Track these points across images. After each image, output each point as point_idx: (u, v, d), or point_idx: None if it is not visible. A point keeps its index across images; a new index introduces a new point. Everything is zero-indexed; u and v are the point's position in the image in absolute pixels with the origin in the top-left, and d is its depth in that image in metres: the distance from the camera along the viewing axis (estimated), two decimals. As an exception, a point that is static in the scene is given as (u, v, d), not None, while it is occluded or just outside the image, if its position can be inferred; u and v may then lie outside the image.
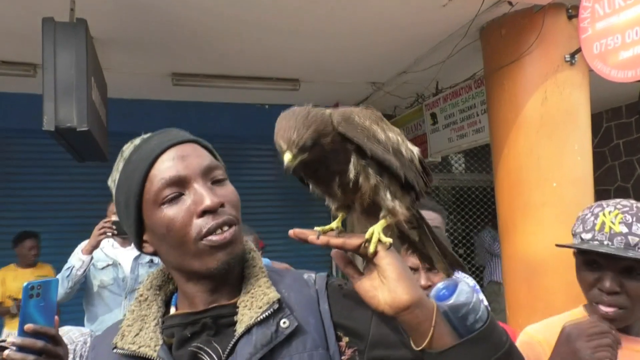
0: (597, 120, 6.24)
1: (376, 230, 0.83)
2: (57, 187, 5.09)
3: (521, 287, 3.37)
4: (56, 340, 1.14)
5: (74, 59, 2.58)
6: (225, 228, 0.85)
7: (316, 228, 0.86)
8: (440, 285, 0.87)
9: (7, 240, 4.56)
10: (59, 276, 3.10)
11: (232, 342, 0.82)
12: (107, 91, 3.77)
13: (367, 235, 0.82)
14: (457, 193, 6.59)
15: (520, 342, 1.46)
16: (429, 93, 5.26)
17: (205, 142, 0.95)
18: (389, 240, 0.82)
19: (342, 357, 0.84)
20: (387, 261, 0.80)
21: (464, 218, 6.55)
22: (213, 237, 0.84)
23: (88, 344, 1.42)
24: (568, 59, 3.29)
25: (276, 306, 0.84)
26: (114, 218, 3.08)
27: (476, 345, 0.77)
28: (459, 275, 2.10)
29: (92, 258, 3.09)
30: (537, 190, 3.32)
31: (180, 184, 0.86)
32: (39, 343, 1.11)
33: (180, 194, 0.86)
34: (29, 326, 1.10)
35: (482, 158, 6.69)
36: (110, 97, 3.98)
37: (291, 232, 0.85)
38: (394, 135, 0.87)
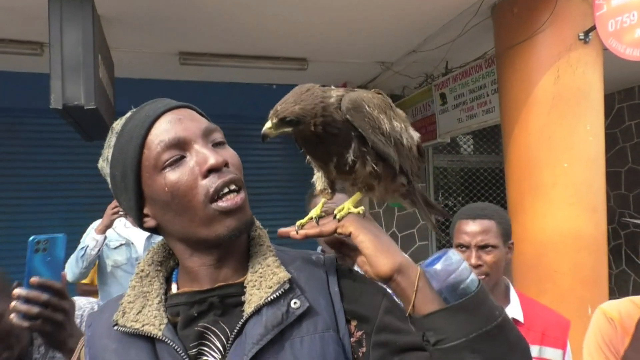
0: (609, 101, 6.15)
1: (346, 205, 0.87)
2: (65, 166, 5.10)
3: (529, 269, 3.35)
4: (62, 294, 1.14)
5: (81, 36, 2.56)
6: (233, 187, 0.82)
7: (298, 223, 0.90)
8: (435, 254, 0.89)
9: (15, 220, 4.59)
10: (72, 256, 3.12)
11: (241, 323, 0.80)
12: (114, 70, 3.75)
13: (336, 211, 0.86)
14: (465, 174, 6.55)
15: (594, 319, 1.55)
16: (439, 73, 5.19)
17: (198, 109, 0.92)
18: (359, 209, 0.87)
19: (352, 339, 0.82)
20: (360, 239, 0.82)
21: (472, 200, 6.52)
22: (222, 203, 0.81)
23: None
24: (582, 37, 3.22)
25: (287, 286, 0.82)
26: None
27: (461, 313, 0.75)
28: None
29: (105, 238, 3.10)
30: (548, 171, 3.28)
31: (180, 146, 0.83)
32: (44, 296, 1.11)
33: (182, 157, 0.82)
34: (34, 279, 1.10)
35: (491, 139, 6.63)
36: (118, 76, 3.97)
37: (278, 232, 0.88)
38: (398, 123, 0.90)
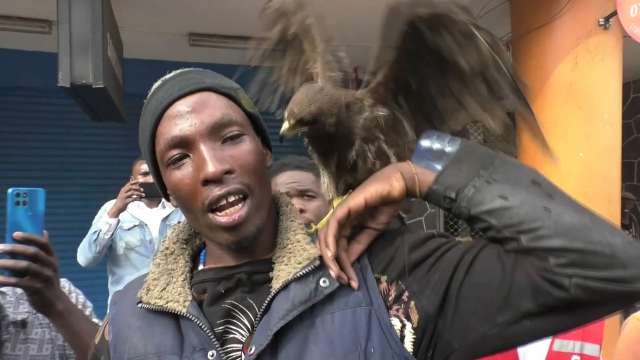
0: (625, 90, 6.02)
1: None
2: (74, 147, 5.09)
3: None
4: (48, 249, 1.08)
5: (90, 13, 2.51)
6: (232, 199, 0.77)
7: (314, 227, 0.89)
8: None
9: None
10: (85, 240, 3.08)
11: (269, 299, 0.77)
12: (123, 50, 3.71)
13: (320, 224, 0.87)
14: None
15: (628, 329, 1.58)
16: (452, 59, 5.11)
17: (226, 86, 0.84)
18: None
19: (389, 298, 0.78)
20: (351, 204, 0.79)
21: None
22: (219, 217, 0.77)
23: (72, 293, 1.39)
24: (602, 23, 3.14)
25: (317, 263, 0.78)
26: (141, 180, 3.04)
27: (462, 162, 0.76)
28: None
29: (119, 221, 3.05)
30: (562, 159, 3.19)
31: (184, 145, 0.78)
32: (31, 249, 1.04)
33: (186, 155, 0.78)
34: (17, 234, 1.04)
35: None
36: (127, 57, 3.93)
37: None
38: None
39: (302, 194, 1.62)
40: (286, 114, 0.84)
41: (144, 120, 0.83)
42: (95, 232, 3.02)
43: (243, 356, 0.77)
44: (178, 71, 0.85)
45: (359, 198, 0.78)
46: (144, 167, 3.05)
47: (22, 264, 1.03)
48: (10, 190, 1.04)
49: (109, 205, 3.10)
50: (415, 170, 0.79)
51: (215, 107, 0.80)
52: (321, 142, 0.89)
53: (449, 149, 0.79)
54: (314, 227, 0.90)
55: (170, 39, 4.49)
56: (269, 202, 0.85)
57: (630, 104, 6.24)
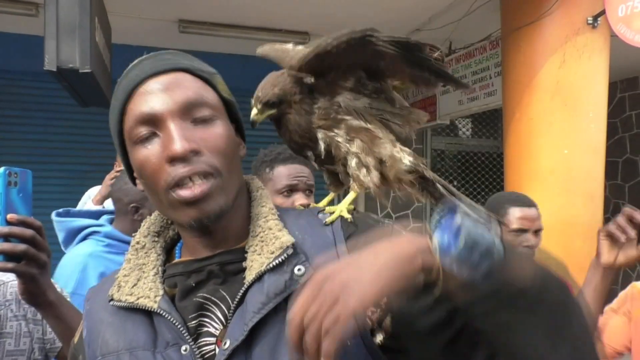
0: (611, 90, 6.07)
1: (339, 207, 0.85)
2: (60, 132, 5.03)
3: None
4: (42, 233, 1.02)
5: (78, -4, 2.48)
6: (197, 180, 0.74)
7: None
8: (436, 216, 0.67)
9: (9, 183, 4.53)
10: None
11: (242, 291, 0.75)
12: (111, 35, 3.66)
13: (328, 211, 0.85)
14: (462, 158, 6.51)
15: (625, 293, 1.73)
16: (442, 53, 5.12)
17: (202, 69, 0.82)
18: (348, 216, 0.84)
19: None
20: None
21: (468, 184, 6.51)
22: (180, 191, 0.74)
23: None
24: (590, 22, 3.17)
25: (290, 251, 0.76)
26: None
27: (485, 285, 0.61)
28: None
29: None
30: (547, 156, 3.26)
31: (153, 123, 0.76)
32: (28, 232, 0.98)
33: (154, 134, 0.76)
34: (12, 216, 0.97)
35: (490, 123, 6.59)
36: (115, 42, 3.88)
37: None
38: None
39: (309, 188, 1.65)
40: (253, 101, 0.87)
41: (115, 97, 0.81)
42: None
43: (217, 349, 0.75)
44: (154, 53, 0.83)
45: (365, 293, 0.59)
46: None
47: (21, 247, 0.97)
48: (2, 169, 0.98)
49: (92, 191, 3.07)
50: (439, 265, 0.62)
51: (189, 88, 0.78)
52: (291, 138, 0.90)
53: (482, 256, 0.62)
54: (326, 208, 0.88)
55: (160, 26, 4.45)
56: (238, 188, 0.82)
57: (616, 104, 6.31)
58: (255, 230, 0.81)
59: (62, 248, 2.08)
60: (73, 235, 2.03)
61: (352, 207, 0.86)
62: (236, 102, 0.87)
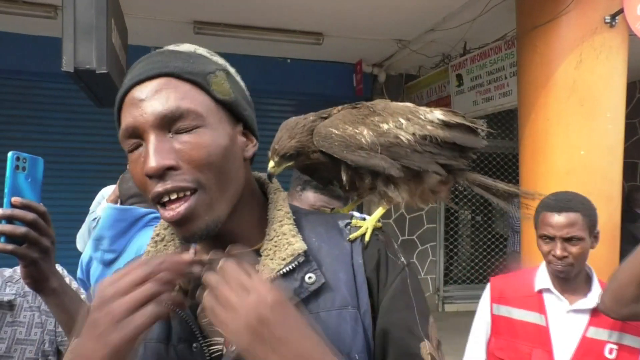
0: (630, 90, 6.00)
1: (368, 224, 0.85)
2: (76, 132, 5.10)
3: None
4: (47, 219, 1.02)
5: (94, -2, 2.51)
6: (174, 196, 0.72)
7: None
8: None
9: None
10: (84, 226, 3.09)
11: None
12: (127, 36, 3.70)
13: (359, 232, 0.84)
14: (477, 159, 6.47)
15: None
16: (456, 53, 5.09)
17: (192, 71, 0.76)
18: (377, 224, 0.85)
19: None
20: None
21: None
22: (162, 211, 0.73)
23: (66, 278, 1.34)
24: (608, 21, 3.12)
25: (301, 259, 0.76)
26: None
27: None
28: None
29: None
30: (563, 157, 3.22)
31: (136, 135, 0.73)
32: (31, 215, 0.98)
33: (140, 145, 0.74)
34: (16, 199, 0.98)
35: (505, 124, 6.53)
36: (131, 43, 3.92)
37: None
38: (391, 124, 0.88)
39: None
40: (270, 153, 0.86)
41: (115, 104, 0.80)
42: (95, 219, 3.02)
43: (225, 350, 0.76)
44: (151, 53, 0.80)
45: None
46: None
47: (21, 229, 0.97)
48: (10, 153, 0.99)
49: (106, 191, 3.10)
50: None
51: (169, 97, 0.73)
52: (312, 173, 0.91)
53: None
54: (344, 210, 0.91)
55: (175, 27, 4.49)
56: (239, 194, 0.80)
57: (635, 104, 6.22)
58: (270, 234, 0.80)
59: (109, 243, 2.09)
60: (133, 223, 2.09)
61: (379, 224, 0.86)
62: (243, 99, 0.83)
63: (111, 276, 0.68)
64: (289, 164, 0.87)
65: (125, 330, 0.63)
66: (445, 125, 0.91)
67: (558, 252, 1.69)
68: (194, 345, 0.76)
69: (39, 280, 1.05)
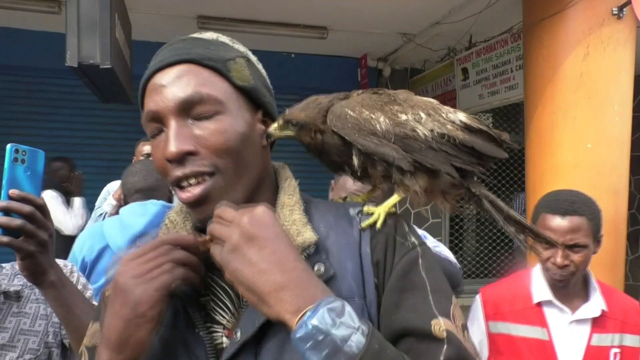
0: (638, 82, 5.96)
1: (382, 210, 0.83)
2: (81, 128, 5.11)
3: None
4: (44, 212, 1.02)
5: (98, -7, 2.51)
6: (193, 181, 0.75)
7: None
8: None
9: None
10: (90, 221, 3.11)
11: None
12: (131, 31, 3.70)
13: (371, 220, 0.82)
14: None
15: None
16: (462, 47, 5.05)
17: (212, 57, 0.78)
18: (392, 210, 0.84)
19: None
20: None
21: (488, 179, 6.43)
22: (180, 193, 0.76)
23: (74, 274, 1.36)
24: (615, 12, 3.08)
25: (312, 250, 0.76)
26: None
27: None
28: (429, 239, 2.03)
29: None
30: (570, 151, 3.19)
31: (158, 120, 0.76)
32: (27, 207, 0.98)
33: (162, 130, 0.77)
34: (13, 191, 0.98)
35: (511, 118, 6.49)
36: (135, 39, 3.92)
37: None
38: (410, 115, 0.85)
39: None
40: (278, 117, 0.87)
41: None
42: (101, 214, 3.04)
43: (225, 339, 0.76)
44: (178, 38, 0.83)
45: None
46: (147, 148, 3.06)
47: (17, 221, 0.97)
48: (9, 145, 0.99)
49: (112, 186, 3.11)
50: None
51: (189, 83, 0.75)
52: (321, 154, 0.89)
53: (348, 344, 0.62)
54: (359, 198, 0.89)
55: (179, 22, 4.47)
56: (257, 179, 0.82)
57: (642, 97, 6.16)
58: (280, 221, 0.79)
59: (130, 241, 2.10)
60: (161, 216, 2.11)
61: (393, 210, 0.85)
62: (263, 86, 0.85)
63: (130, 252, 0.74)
64: (290, 132, 0.86)
65: (148, 285, 0.69)
66: (467, 128, 0.87)
67: (559, 260, 1.55)
68: (198, 332, 0.76)
69: (37, 273, 1.06)
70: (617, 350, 1.59)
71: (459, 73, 4.98)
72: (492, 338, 1.66)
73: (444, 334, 0.71)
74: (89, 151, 5.09)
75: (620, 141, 3.20)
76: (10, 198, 0.98)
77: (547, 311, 1.62)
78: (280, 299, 0.64)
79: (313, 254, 0.76)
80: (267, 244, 0.67)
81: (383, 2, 4.09)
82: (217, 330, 0.78)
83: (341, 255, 0.78)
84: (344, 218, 0.83)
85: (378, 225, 0.81)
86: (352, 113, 0.84)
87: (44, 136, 4.96)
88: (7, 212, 0.98)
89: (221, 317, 0.78)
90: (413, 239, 0.82)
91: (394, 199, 0.86)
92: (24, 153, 1.01)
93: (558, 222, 1.55)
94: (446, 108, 0.89)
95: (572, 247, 1.55)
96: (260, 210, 0.69)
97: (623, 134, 3.21)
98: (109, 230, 2.12)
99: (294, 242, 0.75)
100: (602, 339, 1.60)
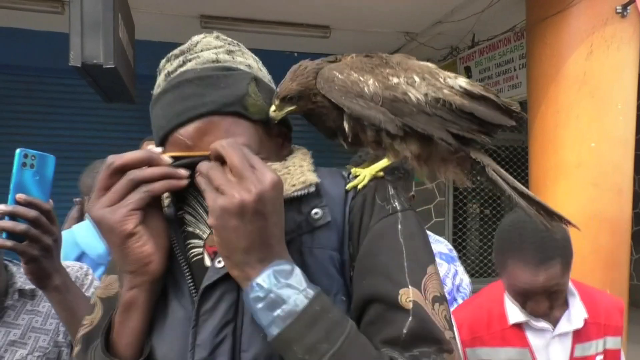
0: (641, 81, 5.96)
1: (367, 172, 0.82)
2: (84, 127, 5.12)
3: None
4: (51, 217, 1.03)
5: (101, -7, 2.51)
6: None
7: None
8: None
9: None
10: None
11: None
12: (134, 31, 3.70)
13: (356, 181, 0.82)
14: (486, 152, 6.43)
15: None
16: (464, 46, 5.05)
17: (228, 101, 0.78)
18: (378, 174, 0.83)
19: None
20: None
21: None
22: None
23: (89, 276, 1.37)
24: (619, 11, 3.07)
25: (312, 189, 0.76)
26: None
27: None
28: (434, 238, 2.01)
29: None
30: (574, 150, 3.19)
31: None
32: (32, 212, 0.99)
33: None
34: (20, 196, 0.98)
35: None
36: (138, 38, 3.92)
37: None
38: (399, 80, 0.82)
39: None
40: (273, 99, 0.83)
41: (153, 127, 0.83)
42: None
43: (206, 257, 0.77)
44: (177, 75, 0.81)
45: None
46: (151, 147, 3.05)
47: (21, 226, 0.98)
48: (18, 150, 1.00)
49: None
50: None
51: (217, 136, 0.75)
52: (318, 122, 0.87)
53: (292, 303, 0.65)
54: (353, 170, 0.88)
55: (182, 21, 4.48)
56: None
57: (645, 95, 6.14)
58: (286, 162, 0.81)
59: None
60: None
61: (381, 174, 0.84)
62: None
63: None
64: (291, 108, 0.83)
65: (123, 209, 0.71)
66: (467, 94, 0.84)
67: (541, 309, 1.42)
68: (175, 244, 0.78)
69: (41, 277, 1.06)
70: (601, 356, 1.51)
71: (461, 72, 4.97)
72: None
73: (410, 305, 0.69)
74: (91, 150, 5.10)
75: (624, 140, 3.19)
76: (17, 202, 0.99)
77: (527, 329, 1.48)
78: (247, 271, 0.67)
79: (313, 194, 0.77)
80: (266, 221, 0.67)
81: (386, 1, 4.09)
82: (197, 245, 0.78)
83: (334, 209, 0.79)
84: (338, 177, 0.85)
85: (359, 186, 0.81)
86: (340, 75, 0.82)
87: (44, 136, 4.97)
88: (12, 216, 0.98)
89: (201, 232, 0.78)
90: (395, 204, 0.79)
91: (383, 162, 0.84)
92: (33, 158, 1.01)
93: (528, 276, 1.38)
94: (445, 73, 0.86)
95: (553, 293, 1.42)
96: (271, 184, 0.67)
97: (627, 132, 3.20)
98: (81, 238, 2.04)
99: (297, 181, 0.77)
100: (586, 349, 1.51)
